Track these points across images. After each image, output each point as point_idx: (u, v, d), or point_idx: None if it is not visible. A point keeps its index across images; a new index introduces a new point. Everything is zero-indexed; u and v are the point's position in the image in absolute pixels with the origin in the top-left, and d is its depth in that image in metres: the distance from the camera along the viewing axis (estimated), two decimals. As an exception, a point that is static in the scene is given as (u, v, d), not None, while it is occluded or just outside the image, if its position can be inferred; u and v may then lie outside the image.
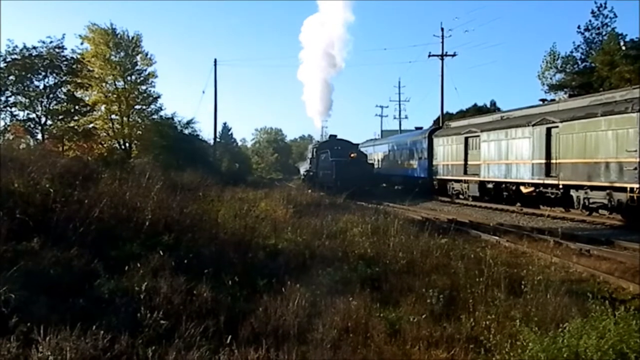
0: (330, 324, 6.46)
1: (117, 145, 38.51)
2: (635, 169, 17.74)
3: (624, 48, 38.32)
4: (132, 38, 38.20)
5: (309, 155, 48.16)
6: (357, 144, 44.74)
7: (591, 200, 20.50)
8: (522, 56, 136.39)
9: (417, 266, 9.62)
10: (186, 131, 43.08)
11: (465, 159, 30.51)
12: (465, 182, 30.44)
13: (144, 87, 39.48)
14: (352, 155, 37.36)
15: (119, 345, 5.46)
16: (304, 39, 57.91)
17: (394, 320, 6.87)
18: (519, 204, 25.44)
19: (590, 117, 20.28)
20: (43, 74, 31.12)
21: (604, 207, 20.08)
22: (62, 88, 32.58)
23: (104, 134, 37.51)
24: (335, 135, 44.63)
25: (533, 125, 23.91)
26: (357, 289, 7.87)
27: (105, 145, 37.02)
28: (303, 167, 53.32)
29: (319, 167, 41.27)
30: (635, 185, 17.76)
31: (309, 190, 29.31)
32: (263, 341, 5.85)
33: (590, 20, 43.57)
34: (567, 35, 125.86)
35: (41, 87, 31.35)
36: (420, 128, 43.87)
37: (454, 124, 35.46)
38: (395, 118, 78.01)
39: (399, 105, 76.16)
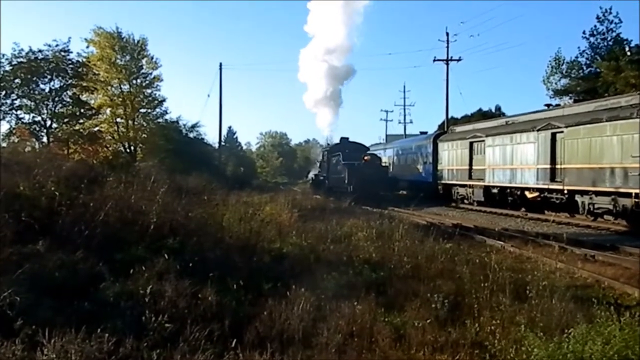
0: (335, 329, 6.45)
1: (122, 148, 38.55)
2: (641, 174, 17.69)
3: (629, 53, 38.28)
4: (138, 42, 38.33)
5: (319, 159, 46.10)
6: (369, 147, 43.14)
7: (596, 206, 20.45)
8: (527, 61, 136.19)
9: (422, 271, 9.61)
10: (191, 135, 43.22)
11: (470, 164, 30.47)
12: (470, 186, 30.41)
13: (149, 91, 39.62)
14: (365, 158, 35.13)
15: (124, 349, 5.46)
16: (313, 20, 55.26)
17: (399, 325, 6.87)
18: (523, 209, 25.39)
19: (596, 122, 20.25)
20: (49, 77, 31.29)
21: (609, 213, 20.03)
22: (68, 91, 32.73)
23: (109, 137, 37.52)
24: (347, 138, 41.37)
25: (538, 130, 23.87)
26: (362, 294, 7.86)
27: (110, 149, 37.01)
28: (312, 172, 50.36)
29: (329, 172, 39.34)
30: (641, 191, 17.72)
31: (315, 196, 29.08)
32: (268, 345, 5.85)
33: (595, 26, 43.62)
34: (572, 41, 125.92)
35: (47, 90, 31.54)
36: (425, 133, 43.83)
37: (458, 128, 35.45)
38: (400, 122, 77.92)
39: (404, 109, 76.18)
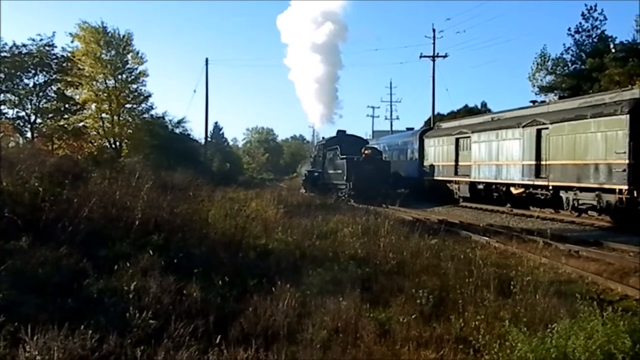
0: (320, 324, 6.46)
1: (107, 144, 38.28)
2: (624, 170, 17.87)
3: (613, 50, 38.61)
4: (123, 36, 37.99)
5: (313, 154, 43.07)
6: (368, 141, 40.56)
7: (580, 202, 20.61)
8: (513, 58, 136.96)
9: (407, 267, 9.62)
10: (177, 130, 43.02)
11: (456, 160, 30.56)
12: (456, 182, 30.51)
13: (134, 86, 39.32)
14: (365, 152, 32.38)
15: (107, 345, 5.42)
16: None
17: (384, 320, 6.88)
18: (509, 205, 25.52)
19: (580, 119, 20.39)
20: (33, 72, 30.97)
21: (593, 209, 20.19)
22: (52, 86, 32.46)
23: (94, 133, 37.20)
24: (344, 131, 37.60)
25: (523, 127, 24.00)
26: (347, 289, 7.85)
27: (95, 144, 36.76)
28: (304, 168, 45.81)
29: (325, 167, 36.34)
30: (624, 187, 17.90)
31: (303, 191, 28.43)
32: (252, 341, 5.84)
33: (580, 23, 44.01)
34: (557, 38, 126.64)
35: (31, 85, 31.25)
36: (412, 129, 43.88)
37: (445, 124, 35.51)
38: (386, 119, 78.14)
39: (391, 106, 76.42)
